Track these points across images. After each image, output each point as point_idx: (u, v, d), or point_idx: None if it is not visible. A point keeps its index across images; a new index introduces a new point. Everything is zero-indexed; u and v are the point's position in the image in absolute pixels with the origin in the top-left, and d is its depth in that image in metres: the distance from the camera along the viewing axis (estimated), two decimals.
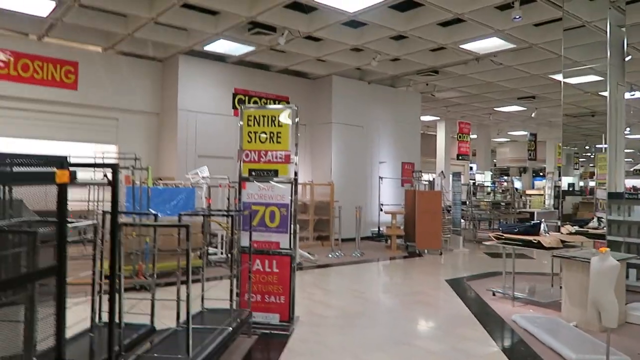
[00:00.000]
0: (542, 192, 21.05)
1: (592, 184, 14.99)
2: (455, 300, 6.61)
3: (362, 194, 13.15)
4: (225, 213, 5.24)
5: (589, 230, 7.51)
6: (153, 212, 7.93)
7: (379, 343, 4.79)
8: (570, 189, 17.05)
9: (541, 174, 28.03)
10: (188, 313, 3.43)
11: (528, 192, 22.92)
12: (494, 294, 6.78)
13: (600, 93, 13.55)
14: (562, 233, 7.20)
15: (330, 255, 10.00)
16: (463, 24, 9.16)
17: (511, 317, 5.61)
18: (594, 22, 8.46)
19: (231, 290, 4.43)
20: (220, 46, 10.29)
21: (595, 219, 7.69)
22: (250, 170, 5.29)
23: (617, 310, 4.03)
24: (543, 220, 6.68)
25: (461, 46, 10.00)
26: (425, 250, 10.78)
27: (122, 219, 7.78)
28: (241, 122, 5.31)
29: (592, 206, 13.61)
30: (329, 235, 11.35)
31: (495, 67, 11.71)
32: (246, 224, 5.12)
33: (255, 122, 5.30)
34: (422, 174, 12.83)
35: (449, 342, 4.85)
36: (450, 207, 12.12)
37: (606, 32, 7.88)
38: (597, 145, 15.93)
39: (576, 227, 7.57)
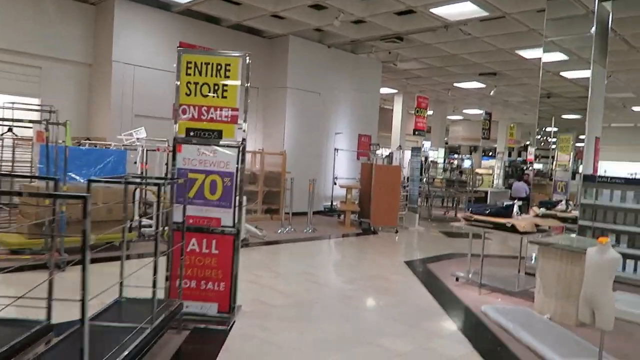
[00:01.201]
0: (490, 172, 21.08)
1: (537, 166, 14.97)
2: (417, 286, 6.00)
3: (316, 165, 12.35)
4: (153, 181, 4.28)
5: (558, 213, 7.09)
6: (74, 176, 6.84)
7: (337, 341, 4.06)
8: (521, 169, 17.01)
9: (490, 153, 28.31)
10: (83, 308, 2.48)
11: (478, 170, 22.97)
12: (457, 280, 6.24)
13: (561, 74, 13.34)
14: (531, 215, 6.73)
15: (279, 231, 9.20)
16: None
17: (480, 308, 5.05)
18: None
19: (155, 276, 3.50)
20: None
21: (564, 202, 7.28)
22: (188, 130, 4.32)
23: (613, 310, 3.48)
24: (516, 202, 6.15)
25: (431, 10, 9.24)
26: (380, 228, 10.19)
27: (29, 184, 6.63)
28: (179, 70, 4.31)
29: (544, 187, 13.53)
30: (279, 209, 10.52)
31: (463, 37, 11.07)
32: (180, 196, 4.19)
33: (197, 71, 4.31)
34: (378, 146, 12.18)
35: (417, 339, 4.19)
36: (407, 182, 11.56)
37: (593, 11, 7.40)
38: (546, 128, 15.89)
39: (543, 209, 7.14)
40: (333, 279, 6.26)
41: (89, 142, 8.68)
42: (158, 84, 10.03)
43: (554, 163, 10.80)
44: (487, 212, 5.78)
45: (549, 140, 13.53)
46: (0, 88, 9.25)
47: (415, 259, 7.74)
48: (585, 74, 8.15)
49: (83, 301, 2.43)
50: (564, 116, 16.07)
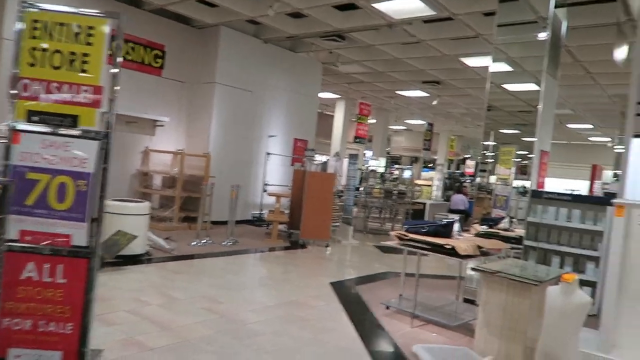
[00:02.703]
0: (430, 183, 20.78)
1: (479, 179, 14.63)
2: (340, 317, 5.06)
3: (246, 170, 11.26)
4: None
5: (499, 231, 6.41)
6: None
7: None
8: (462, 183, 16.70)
9: (430, 165, 28.24)
10: None
11: (417, 181, 22.65)
12: (387, 308, 5.38)
13: (504, 86, 13.01)
14: (471, 235, 6.00)
15: (194, 243, 8.03)
16: None
17: (412, 349, 4.18)
18: None
19: None
20: None
21: (507, 219, 6.62)
22: (29, 113, 3.17)
23: None
24: (456, 220, 5.39)
25: (374, 5, 8.45)
26: (310, 241, 9.25)
27: None
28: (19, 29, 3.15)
29: (483, 201, 13.13)
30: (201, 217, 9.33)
31: (408, 39, 10.41)
32: (17, 203, 3.03)
33: (47, 34, 3.18)
34: (315, 153, 11.27)
35: None
36: (341, 192, 10.70)
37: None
38: (483, 143, 15.67)
39: (485, 227, 6.45)
40: (240, 307, 5.15)
41: None
42: None
43: (495, 177, 10.35)
44: (424, 230, 4.95)
45: (487, 154, 13.16)
46: None
47: (343, 279, 6.84)
48: (529, 87, 7.66)
49: None
50: (503, 130, 15.86)
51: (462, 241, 4.84)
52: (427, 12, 8.53)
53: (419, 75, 13.90)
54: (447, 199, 14.73)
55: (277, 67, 12.09)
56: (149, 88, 10.16)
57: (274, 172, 11.78)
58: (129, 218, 6.55)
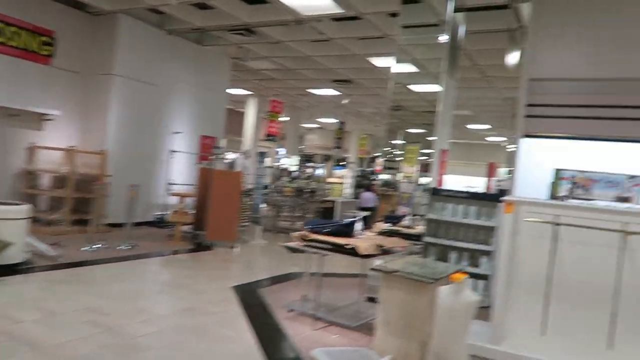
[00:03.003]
0: (342, 181, 21.09)
1: (385, 176, 15.07)
2: (240, 322, 4.82)
3: (147, 168, 10.60)
4: None
5: (401, 229, 6.52)
6: None
7: None
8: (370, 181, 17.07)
9: (341, 163, 28.70)
10: None
11: (329, 180, 22.89)
12: (290, 310, 5.23)
13: (410, 87, 13.44)
14: (374, 233, 6.02)
15: (86, 248, 7.37)
16: None
17: (311, 353, 4.05)
18: None
19: None
20: None
21: (410, 217, 6.75)
22: None
23: None
24: (358, 218, 5.36)
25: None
26: (216, 243, 8.88)
27: None
28: None
29: (390, 198, 13.50)
30: (94, 219, 8.60)
31: (317, 36, 10.37)
32: None
33: None
34: (223, 150, 10.88)
35: None
36: (250, 191, 10.44)
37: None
38: (390, 141, 16.17)
39: (389, 225, 6.53)
40: (129, 318, 4.69)
41: None
42: None
43: (401, 174, 10.65)
44: (326, 230, 4.86)
45: (394, 152, 13.56)
46: None
47: (247, 282, 6.59)
48: (432, 88, 7.91)
49: None
50: (411, 130, 16.46)
51: (364, 240, 4.81)
52: (335, 9, 8.51)
53: (330, 74, 13.97)
54: (357, 196, 14.98)
55: (183, 60, 11.53)
56: (35, 78, 9.20)
57: (179, 171, 11.21)
58: (4, 223, 5.82)
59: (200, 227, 8.95)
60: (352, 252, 4.50)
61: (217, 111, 12.77)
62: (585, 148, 6.51)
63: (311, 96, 17.87)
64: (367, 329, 4.76)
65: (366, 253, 4.52)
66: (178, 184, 10.74)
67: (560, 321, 4.34)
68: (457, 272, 3.00)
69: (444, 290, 2.79)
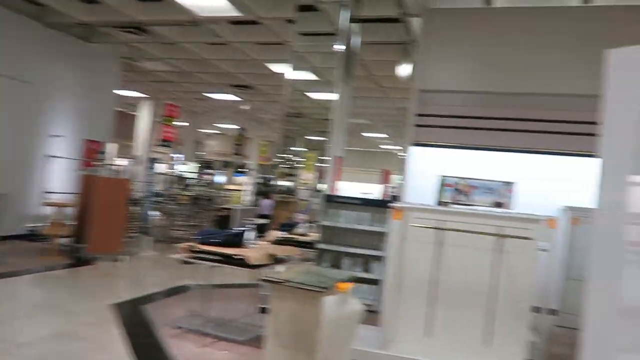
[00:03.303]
0: (241, 188, 20.69)
1: (287, 183, 15.05)
2: (118, 346, 4.38)
3: (19, 176, 9.51)
4: None
5: (296, 237, 6.45)
6: None
7: None
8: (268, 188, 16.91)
9: (240, 170, 28.23)
10: None
11: (228, 187, 22.32)
12: (176, 328, 4.89)
13: (308, 94, 13.54)
14: (268, 242, 5.87)
15: None
16: None
17: None
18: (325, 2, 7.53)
19: None
20: None
21: (306, 224, 6.70)
22: None
23: None
24: (249, 226, 5.18)
25: None
26: (99, 256, 8.15)
27: None
28: None
29: (289, 205, 13.48)
30: None
31: (214, 39, 10.03)
32: None
33: None
34: (110, 155, 10.10)
35: None
36: (139, 199, 9.79)
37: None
38: (291, 148, 16.25)
39: (284, 233, 6.43)
40: None
41: None
42: None
43: (300, 181, 10.65)
44: (214, 240, 4.62)
45: (294, 159, 13.58)
46: None
47: (130, 298, 6.08)
48: (329, 96, 7.99)
49: None
50: (311, 137, 16.59)
51: (254, 250, 4.64)
52: (233, 12, 8.28)
53: (228, 78, 13.64)
54: (256, 204, 14.76)
55: (65, 57, 10.56)
56: None
57: (58, 178, 10.19)
58: None
59: (81, 240, 8.15)
60: (242, 262, 4.31)
61: (103, 114, 11.86)
62: (468, 157, 6.93)
63: (210, 101, 17.35)
64: (257, 342, 4.58)
65: (256, 263, 4.35)
66: (56, 193, 9.74)
67: (444, 322, 4.51)
68: (343, 281, 2.95)
69: (329, 300, 2.72)
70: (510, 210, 5.05)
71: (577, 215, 5.97)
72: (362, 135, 21.27)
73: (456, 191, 5.24)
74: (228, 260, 4.38)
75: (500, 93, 6.83)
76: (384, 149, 25.14)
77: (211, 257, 4.50)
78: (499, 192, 5.12)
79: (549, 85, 6.60)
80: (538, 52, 6.69)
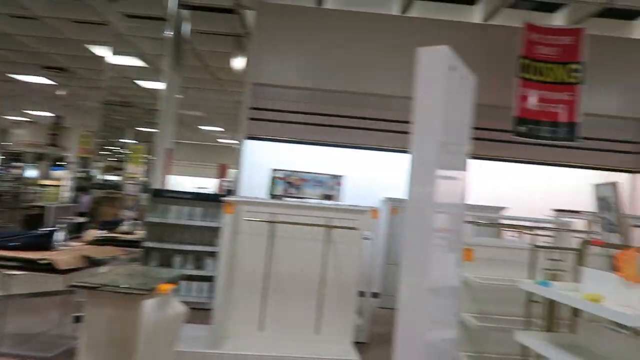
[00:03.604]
0: (59, 183, 18.42)
1: (113, 177, 13.81)
2: None
3: None
4: None
5: (119, 235, 5.90)
6: None
7: None
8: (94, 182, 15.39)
9: (58, 163, 25.21)
10: None
11: (43, 182, 19.64)
12: None
13: (137, 82, 12.59)
14: (83, 242, 5.25)
15: None
16: None
17: None
18: None
19: None
20: None
21: (131, 222, 6.16)
22: None
23: None
24: (59, 227, 4.54)
25: None
26: None
27: None
28: None
29: (114, 201, 12.38)
30: None
31: (20, 12, 8.64)
32: None
33: None
34: None
35: None
36: None
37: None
38: (120, 140, 15.01)
39: (105, 232, 5.82)
40: None
41: None
42: None
43: (127, 175, 9.82)
44: (14, 244, 3.94)
45: (122, 151, 12.51)
46: None
47: None
48: (159, 85, 7.50)
49: None
50: (142, 128, 15.47)
51: (65, 252, 4.08)
52: None
53: (39, 58, 11.92)
54: (75, 200, 13.29)
55: None
56: None
57: None
58: None
59: None
60: (49, 268, 3.74)
61: None
62: (300, 151, 7.13)
63: (16, 83, 14.99)
64: (68, 356, 4.05)
65: (67, 267, 3.82)
66: None
67: (277, 315, 4.54)
68: (167, 281, 2.72)
69: (149, 304, 2.48)
70: (338, 202, 5.30)
71: (395, 205, 6.55)
72: (199, 129, 20.60)
73: (288, 184, 5.33)
74: (31, 266, 3.77)
75: (329, 90, 7.15)
76: (221, 142, 24.73)
77: (10, 263, 3.83)
78: (328, 185, 5.36)
79: (373, 86, 7.12)
80: (363, 54, 7.16)
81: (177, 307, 2.46)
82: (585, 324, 2.78)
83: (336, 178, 5.42)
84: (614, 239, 4.37)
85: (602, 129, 7.42)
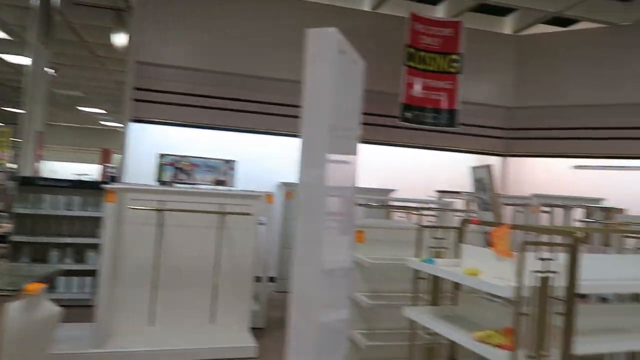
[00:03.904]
0: None
1: None
2: None
3: None
4: None
5: None
6: None
7: None
8: None
9: None
10: None
11: None
12: None
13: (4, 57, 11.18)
14: None
15: None
16: None
17: None
18: None
19: None
20: None
21: None
22: None
23: None
24: None
25: None
26: None
27: None
28: None
29: None
30: None
31: None
32: None
33: None
34: None
35: None
36: None
37: None
38: None
39: None
40: None
41: None
42: None
43: None
44: None
45: None
46: None
47: None
48: (26, 60, 6.70)
49: None
50: (7, 109, 13.81)
51: None
52: None
53: None
54: None
55: None
56: None
57: None
58: None
59: None
60: None
61: None
62: (190, 134, 6.84)
63: None
64: None
65: None
66: None
67: (169, 307, 4.32)
68: (36, 280, 2.43)
69: (15, 307, 2.19)
70: (231, 188, 5.16)
71: (290, 190, 6.56)
72: (78, 110, 18.88)
73: (177, 170, 5.07)
74: None
75: (219, 72, 6.92)
76: (104, 125, 22.94)
77: None
78: (221, 170, 5.19)
79: (264, 70, 7.02)
80: (254, 37, 7.02)
81: (50, 309, 2.21)
82: (465, 296, 3.00)
83: (229, 163, 5.27)
84: (489, 217, 4.78)
85: (477, 116, 8.08)
